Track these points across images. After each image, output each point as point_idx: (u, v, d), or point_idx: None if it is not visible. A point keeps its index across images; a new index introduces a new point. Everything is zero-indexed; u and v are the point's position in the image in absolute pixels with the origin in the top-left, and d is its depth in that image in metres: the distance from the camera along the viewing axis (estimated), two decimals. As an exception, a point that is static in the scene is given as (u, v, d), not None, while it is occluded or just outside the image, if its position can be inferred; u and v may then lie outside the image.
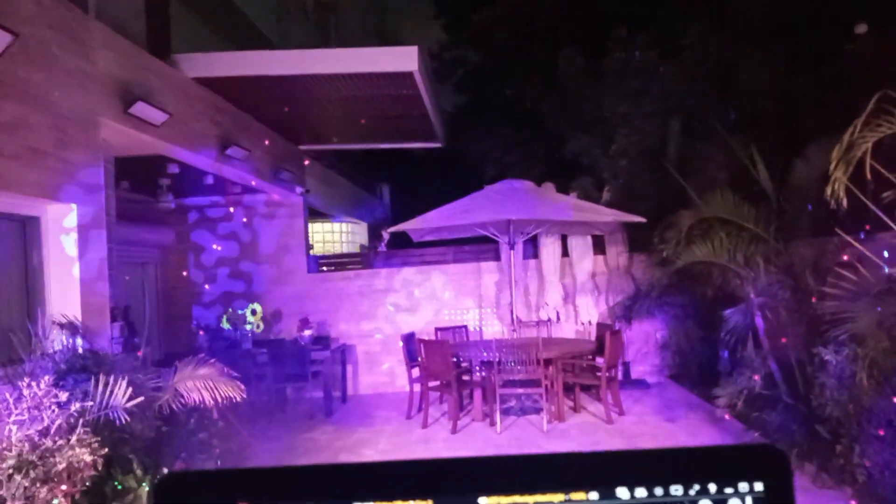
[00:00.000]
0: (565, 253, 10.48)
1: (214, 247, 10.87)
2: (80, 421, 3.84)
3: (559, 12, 13.94)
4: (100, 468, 3.73)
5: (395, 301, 10.76)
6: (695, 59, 10.40)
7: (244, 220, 10.93)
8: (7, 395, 3.77)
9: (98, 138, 5.72)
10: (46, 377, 3.89)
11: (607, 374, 7.97)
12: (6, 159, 4.65)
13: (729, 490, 0.69)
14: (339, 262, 12.15)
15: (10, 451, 3.48)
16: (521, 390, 8.02)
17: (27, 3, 4.90)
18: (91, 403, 4.05)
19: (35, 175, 4.94)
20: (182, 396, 4.91)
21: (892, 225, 4.72)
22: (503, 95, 14.86)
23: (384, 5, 21.24)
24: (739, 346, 6.74)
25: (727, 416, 6.95)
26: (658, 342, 10.20)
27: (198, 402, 4.94)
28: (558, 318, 10.34)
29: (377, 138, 11.75)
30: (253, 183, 9.46)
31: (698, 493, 0.68)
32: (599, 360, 8.28)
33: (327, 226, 16.05)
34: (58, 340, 4.92)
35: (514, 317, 9.45)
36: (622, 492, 0.68)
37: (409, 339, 8.98)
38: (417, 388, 8.50)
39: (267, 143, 9.69)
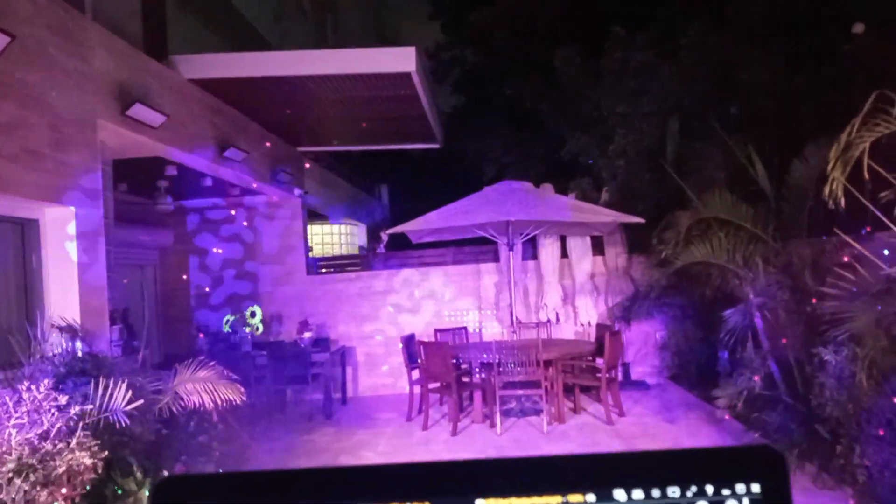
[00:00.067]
0: (564, 254, 10.49)
1: (214, 249, 10.86)
2: (80, 424, 3.84)
3: (558, 12, 13.95)
4: (100, 471, 3.73)
5: (395, 303, 10.76)
6: (693, 59, 10.40)
7: (243, 222, 10.93)
8: (7, 399, 3.76)
9: (96, 140, 5.72)
10: (46, 380, 3.89)
11: (607, 376, 7.97)
12: (4, 161, 4.65)
13: (726, 491, 0.69)
14: (338, 264, 12.15)
15: (10, 454, 3.48)
16: (521, 392, 8.02)
17: (24, 4, 4.90)
18: (91, 406, 4.05)
19: (33, 177, 4.94)
20: (182, 399, 4.91)
21: (890, 224, 4.72)
22: (501, 96, 14.87)
23: (382, 5, 21.24)
24: (739, 346, 6.74)
25: (727, 417, 6.95)
26: (657, 343, 10.20)
27: (198, 404, 4.94)
28: (558, 320, 10.34)
29: (375, 139, 11.75)
30: (252, 185, 9.46)
31: (695, 494, 0.68)
32: (599, 362, 8.28)
33: (326, 227, 16.05)
34: (57, 343, 4.91)
35: (514, 318, 9.45)
36: (619, 493, 0.68)
37: (408, 340, 8.98)
38: (417, 389, 8.50)
39: (265, 144, 9.69)
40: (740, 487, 0.69)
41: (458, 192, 9.27)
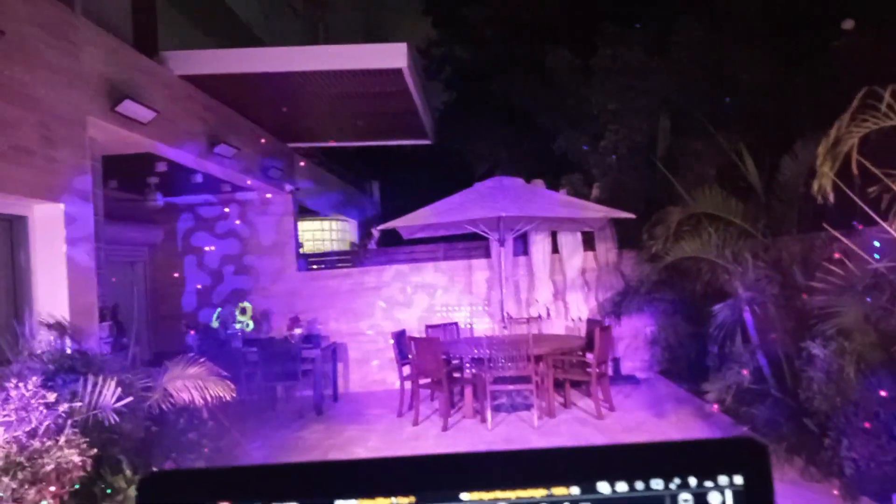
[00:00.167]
0: (555, 249, 10.50)
1: (204, 246, 10.83)
2: (69, 422, 3.82)
3: (549, 9, 13.93)
4: (89, 469, 3.72)
5: (386, 299, 10.76)
6: (684, 55, 10.42)
7: (234, 218, 10.90)
8: (-6, 396, 3.75)
9: (85, 136, 5.70)
10: (34, 378, 3.87)
11: (597, 370, 8.00)
12: (-8, 158, 4.63)
13: (709, 483, 0.69)
14: (329, 261, 12.12)
15: (-2, 452, 3.47)
16: (511, 387, 8.04)
17: (12, 1, 4.87)
18: (80, 404, 4.03)
19: (21, 174, 4.91)
20: (172, 396, 4.89)
21: (878, 220, 4.75)
22: (493, 92, 14.84)
23: (374, 2, 21.18)
24: (728, 341, 6.77)
25: (716, 411, 6.99)
26: (648, 338, 10.24)
27: (188, 401, 4.93)
28: (548, 315, 10.36)
29: (366, 135, 11.73)
30: (242, 181, 9.43)
31: (679, 486, 0.69)
32: (589, 357, 8.30)
33: (317, 224, 16.02)
34: (46, 341, 4.89)
35: (505, 313, 9.46)
36: (603, 486, 0.69)
37: (399, 336, 8.98)
38: (408, 385, 8.51)
39: (255, 140, 9.66)
40: (723, 479, 0.69)
41: (449, 189, 9.27)
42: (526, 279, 10.63)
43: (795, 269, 6.35)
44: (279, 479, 0.69)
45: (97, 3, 6.43)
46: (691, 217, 7.31)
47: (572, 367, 8.70)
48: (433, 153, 15.80)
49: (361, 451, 7.25)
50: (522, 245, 10.66)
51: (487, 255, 10.74)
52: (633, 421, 7.88)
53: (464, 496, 0.69)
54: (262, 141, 9.92)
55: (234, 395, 5.19)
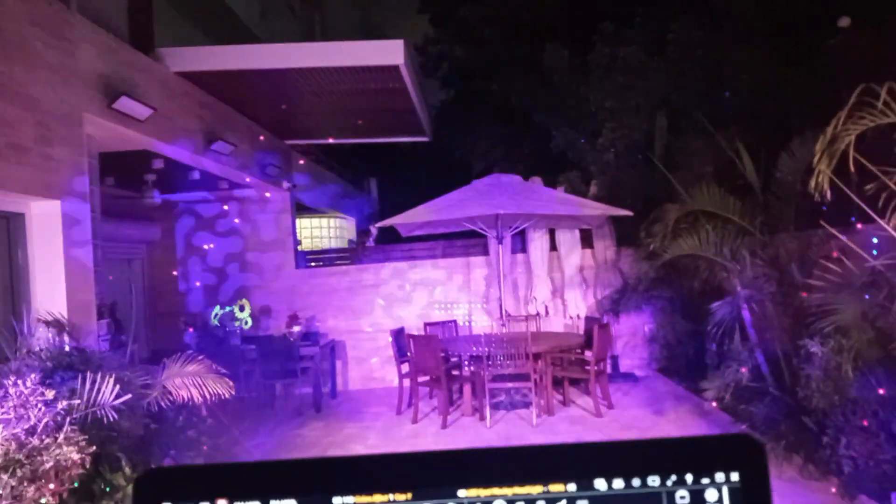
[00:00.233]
0: (553, 247, 10.51)
1: (202, 243, 10.82)
2: (68, 419, 3.82)
3: (546, 7, 13.93)
4: (87, 466, 3.72)
5: (384, 296, 10.75)
6: (681, 54, 10.42)
7: (231, 215, 10.89)
8: (-8, 394, 3.74)
9: (82, 134, 5.69)
10: (33, 375, 3.87)
11: (596, 368, 8.01)
12: (-11, 156, 4.62)
13: (706, 480, 0.69)
14: (327, 258, 12.12)
15: (-4, 449, 3.46)
16: (510, 385, 8.04)
17: (9, -1, 4.86)
18: (78, 401, 4.03)
19: (18, 171, 4.91)
20: (171, 393, 4.89)
21: (875, 217, 4.75)
22: (490, 90, 14.84)
23: (371, 1, 21.17)
24: (726, 338, 6.78)
25: (715, 409, 7.00)
26: (646, 335, 10.25)
27: (186, 399, 4.93)
28: (547, 313, 10.36)
29: (364, 133, 11.72)
30: (240, 178, 9.42)
31: (675, 483, 0.69)
32: (588, 354, 8.31)
33: (315, 221, 16.03)
34: (44, 338, 4.89)
35: (503, 311, 9.47)
36: (600, 483, 0.69)
37: (398, 334, 8.98)
38: (407, 383, 8.51)
39: (253, 137, 9.65)
40: (720, 476, 0.69)
41: (447, 186, 9.27)
42: (524, 277, 10.64)
43: (793, 266, 6.35)
44: (277, 475, 0.69)
45: (93, 0, 6.42)
46: (689, 215, 7.32)
47: (571, 364, 8.70)
48: (431, 151, 15.82)
49: (360, 449, 7.25)
50: (521, 242, 10.66)
51: (486, 252, 10.74)
52: (631, 419, 7.89)
53: (461, 493, 0.69)
54: (260, 138, 9.92)
55: (233, 392, 5.19)
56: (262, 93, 8.59)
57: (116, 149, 6.83)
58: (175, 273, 10.82)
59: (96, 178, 6.00)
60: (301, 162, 12.02)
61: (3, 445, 3.48)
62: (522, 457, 0.70)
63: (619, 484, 0.69)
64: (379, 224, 10.29)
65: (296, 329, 9.52)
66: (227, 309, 9.65)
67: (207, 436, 5.36)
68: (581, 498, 0.69)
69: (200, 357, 5.24)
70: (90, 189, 5.78)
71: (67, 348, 4.87)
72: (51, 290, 5.37)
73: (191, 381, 4.96)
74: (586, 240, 10.49)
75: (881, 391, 4.80)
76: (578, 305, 10.30)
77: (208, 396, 5.00)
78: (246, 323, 9.64)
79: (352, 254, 11.85)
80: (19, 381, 3.73)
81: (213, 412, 5.53)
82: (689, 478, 0.69)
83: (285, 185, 10.72)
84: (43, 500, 3.47)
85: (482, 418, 7.89)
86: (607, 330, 8.35)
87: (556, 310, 10.47)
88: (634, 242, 9.44)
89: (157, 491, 0.69)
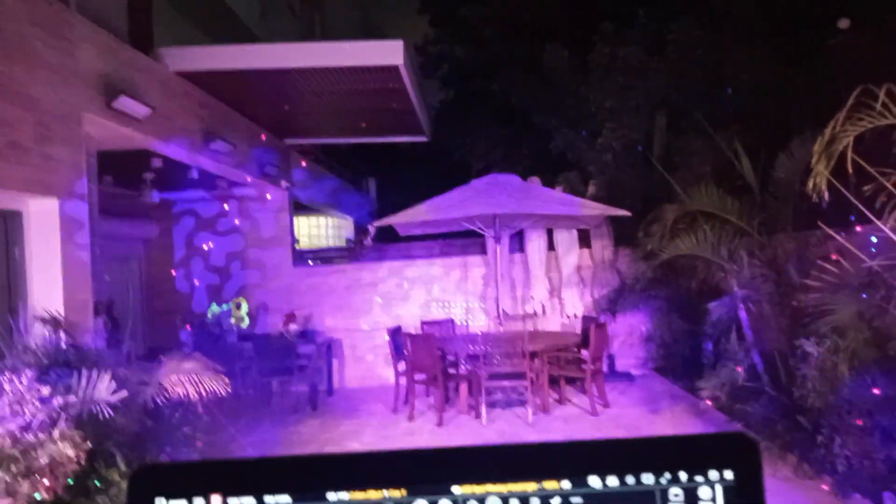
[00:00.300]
0: (551, 247, 10.51)
1: (199, 242, 10.81)
2: (63, 415, 3.82)
3: (546, 7, 13.94)
4: (83, 462, 3.71)
5: (382, 295, 10.75)
6: (680, 54, 10.43)
7: (229, 214, 10.89)
8: (-11, 391, 3.74)
9: (81, 133, 5.68)
10: (29, 372, 3.86)
11: (592, 367, 8.01)
12: (-13, 153, 4.61)
13: (699, 478, 0.70)
14: (325, 257, 12.13)
15: (-8, 446, 3.46)
16: (506, 383, 8.04)
17: (7, -4, 4.85)
18: (74, 398, 4.03)
19: (17, 170, 4.90)
20: (167, 390, 4.89)
21: (872, 218, 4.76)
22: (489, 90, 14.85)
23: (371, 1, 21.16)
24: (723, 338, 6.79)
25: (711, 408, 7.01)
26: (643, 335, 10.25)
27: (182, 396, 4.92)
28: (544, 312, 10.37)
29: (363, 132, 11.72)
30: (239, 177, 9.41)
31: (669, 481, 0.69)
32: (584, 353, 8.31)
33: (313, 220, 16.02)
34: (40, 335, 4.88)
35: (500, 310, 9.47)
36: (594, 480, 0.69)
37: (395, 332, 8.98)
38: (403, 381, 8.51)
39: (251, 137, 9.64)
40: (714, 474, 0.70)
41: (445, 186, 9.27)
42: (522, 276, 10.64)
43: (790, 267, 6.36)
44: (271, 471, 0.70)
45: (93, 0, 6.41)
46: (687, 215, 7.33)
47: (567, 363, 8.70)
48: (430, 151, 15.82)
49: (356, 446, 7.25)
50: (518, 242, 10.66)
51: (483, 251, 10.74)
52: (627, 417, 7.90)
53: (455, 489, 0.69)
54: (259, 137, 9.91)
55: (230, 390, 5.18)
56: (261, 92, 8.59)
57: (115, 147, 6.82)
58: (172, 271, 10.81)
59: (95, 177, 5.99)
60: (300, 161, 12.01)
61: (-1, 442, 3.48)
62: (517, 454, 0.71)
63: (613, 481, 0.69)
64: (377, 223, 10.30)
65: (293, 327, 9.51)
66: (225, 307, 9.65)
67: (203, 433, 5.35)
68: (575, 495, 0.69)
69: (197, 354, 5.24)
70: (88, 187, 5.78)
71: (64, 345, 4.87)
72: (48, 287, 5.37)
73: (187, 379, 4.96)
74: (584, 240, 10.49)
75: (876, 391, 4.81)
76: (575, 305, 10.31)
77: (204, 394, 5.00)
78: (243, 321, 9.63)
79: (350, 252, 11.86)
80: (15, 378, 3.72)
81: (210, 409, 5.53)
82: (683, 476, 0.69)
83: (284, 184, 10.71)
84: (38, 496, 3.47)
85: (478, 416, 7.90)
86: (604, 329, 8.35)
87: (554, 309, 10.47)
88: (632, 242, 9.45)
89: (152, 487, 0.69)
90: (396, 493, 0.69)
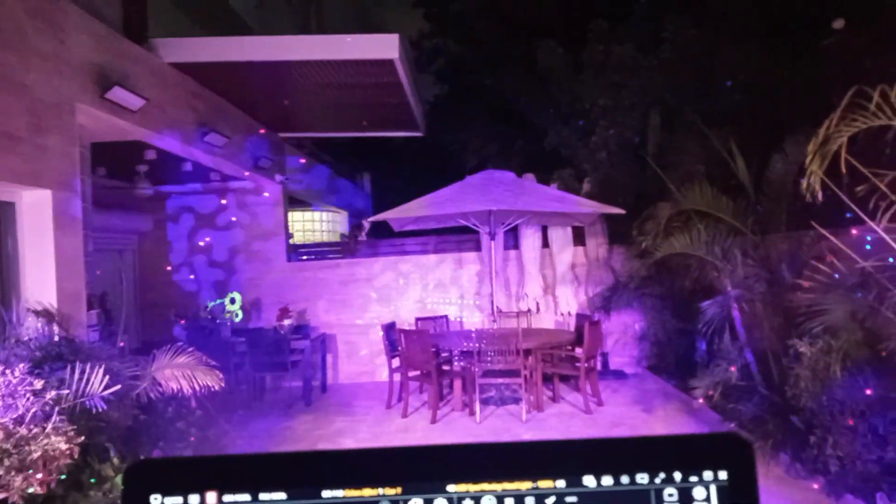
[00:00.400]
0: (546, 244, 10.52)
1: (193, 235, 10.79)
2: (56, 409, 3.81)
3: (542, 4, 13.93)
4: (76, 456, 3.71)
5: (376, 290, 10.75)
6: (675, 52, 10.44)
7: (223, 207, 10.86)
8: (-20, 383, 3.72)
9: (74, 123, 5.65)
10: (21, 365, 3.85)
11: (586, 365, 8.03)
12: (-20, 144, 4.59)
13: (694, 478, 0.70)
14: (319, 251, 12.11)
15: (-16, 439, 3.45)
16: (500, 380, 8.05)
17: (1, -14, 4.82)
18: (67, 391, 4.02)
19: (8, 160, 4.87)
20: (160, 385, 4.88)
21: (865, 218, 4.78)
22: (484, 86, 14.84)
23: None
24: (716, 337, 6.81)
25: (703, 407, 7.04)
26: (636, 333, 10.28)
27: (176, 390, 4.92)
28: (538, 309, 10.38)
29: (358, 126, 11.69)
30: (233, 171, 9.39)
31: (664, 481, 0.70)
32: (578, 351, 8.33)
33: (307, 214, 15.98)
34: (33, 328, 4.87)
35: (495, 307, 9.48)
36: (589, 480, 0.69)
37: (389, 328, 8.98)
38: (397, 377, 8.52)
39: (246, 130, 9.62)
40: (708, 474, 0.70)
41: (440, 181, 9.27)
42: (516, 273, 10.65)
43: (783, 266, 6.38)
44: (267, 468, 0.70)
45: (87, -11, 6.38)
46: (681, 213, 7.33)
47: (561, 361, 8.72)
48: (424, 146, 15.81)
49: (350, 443, 7.26)
50: (513, 239, 10.67)
51: (478, 248, 10.75)
52: (620, 416, 7.92)
53: (450, 487, 0.69)
54: (253, 130, 9.88)
55: (223, 384, 5.18)
56: (255, 85, 8.56)
57: (109, 139, 6.80)
58: (166, 264, 10.79)
59: (88, 169, 5.96)
60: (294, 155, 11.98)
61: (-10, 435, 3.47)
62: (512, 453, 0.71)
63: (607, 481, 0.69)
64: (371, 218, 10.28)
65: (286, 322, 9.50)
66: (218, 301, 9.63)
67: (196, 427, 5.35)
68: (570, 494, 0.69)
69: (190, 349, 5.23)
70: (82, 179, 5.75)
71: (57, 338, 4.86)
72: (41, 279, 5.35)
73: (180, 373, 4.95)
74: (578, 237, 10.51)
75: (869, 391, 4.84)
76: (570, 302, 10.32)
77: (198, 388, 4.99)
78: (237, 315, 9.62)
79: (344, 248, 11.83)
80: (7, 371, 3.71)
81: (203, 404, 5.52)
82: (677, 476, 0.70)
83: (278, 177, 10.69)
84: (30, 490, 3.46)
85: (472, 413, 7.91)
86: (598, 327, 8.37)
87: (548, 306, 10.48)
88: (626, 240, 9.46)
89: (146, 482, 0.69)
90: (392, 491, 0.69)
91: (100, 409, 4.12)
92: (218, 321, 9.38)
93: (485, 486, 0.69)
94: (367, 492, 0.69)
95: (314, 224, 16.30)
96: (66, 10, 5.61)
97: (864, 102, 4.49)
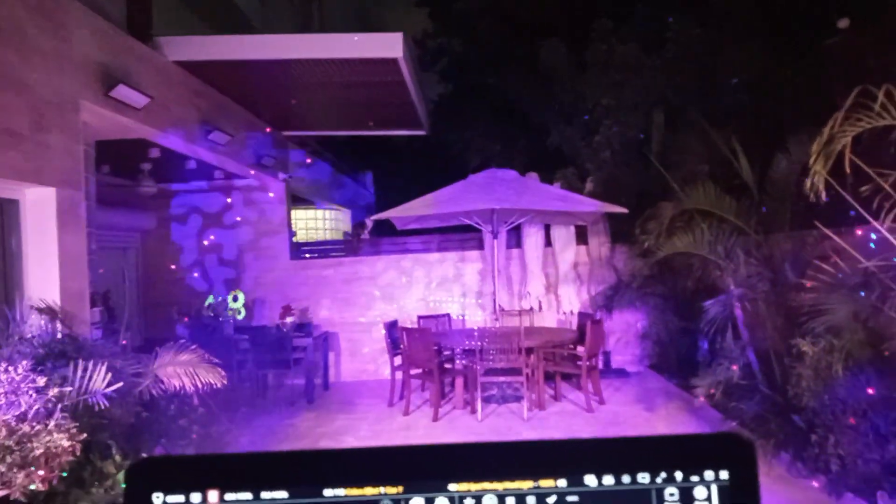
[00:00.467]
0: (548, 243, 10.52)
1: (196, 233, 10.79)
2: (59, 406, 3.82)
3: (544, 2, 13.92)
4: (78, 453, 3.72)
5: (379, 289, 10.76)
6: (678, 52, 10.43)
7: (227, 205, 10.86)
8: (-16, 380, 3.73)
9: (78, 121, 5.66)
10: (24, 362, 3.86)
11: (588, 363, 8.03)
12: (-16, 141, 4.60)
13: (695, 478, 0.70)
14: (322, 250, 12.11)
15: (-13, 435, 3.46)
16: (502, 378, 8.06)
17: (5, -17, 4.83)
18: (69, 389, 4.03)
19: (12, 158, 4.88)
20: (162, 382, 4.89)
21: (869, 218, 4.77)
22: (487, 85, 14.83)
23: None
24: (718, 336, 6.80)
25: (705, 405, 7.03)
26: (638, 332, 10.27)
27: (178, 388, 4.93)
28: (540, 308, 10.38)
29: (361, 125, 11.70)
30: (236, 169, 9.40)
31: (665, 480, 0.70)
32: (580, 350, 8.33)
33: (310, 212, 15.99)
34: (36, 325, 4.88)
35: (497, 306, 9.48)
36: (590, 479, 0.69)
37: (391, 327, 8.98)
38: (399, 375, 8.52)
39: (249, 128, 9.62)
40: (709, 474, 0.70)
41: (443, 180, 9.26)
42: (518, 272, 10.65)
43: (787, 266, 6.37)
44: (268, 467, 0.70)
45: (91, -13, 6.38)
46: (684, 213, 7.33)
47: (563, 359, 8.72)
48: (427, 145, 15.80)
49: (352, 440, 7.27)
50: (516, 238, 10.67)
51: (481, 247, 10.75)
52: (622, 414, 7.92)
53: (452, 486, 0.69)
54: (256, 128, 9.89)
55: (225, 382, 5.19)
56: (259, 83, 8.56)
57: (113, 137, 6.80)
58: (169, 262, 10.79)
59: (92, 166, 5.97)
60: (297, 153, 11.98)
61: (-7, 432, 3.48)
62: (514, 452, 0.71)
63: (609, 480, 0.69)
64: (375, 217, 10.29)
65: (289, 320, 9.51)
66: (221, 299, 9.64)
67: (199, 425, 5.36)
68: (571, 494, 0.69)
69: (193, 346, 5.24)
70: (85, 177, 5.76)
71: (60, 335, 4.87)
72: (44, 277, 5.35)
73: (183, 371, 4.96)
74: (581, 236, 10.51)
75: (870, 391, 4.83)
76: (572, 301, 10.32)
77: (200, 386, 5.00)
78: (239, 313, 9.63)
79: (347, 246, 11.84)
80: (11, 368, 3.72)
81: (205, 401, 5.53)
82: (678, 475, 0.70)
83: (281, 175, 10.70)
84: (32, 487, 3.47)
85: (473, 411, 7.91)
86: (600, 326, 8.37)
87: (550, 305, 10.48)
88: (629, 239, 9.46)
89: (148, 481, 0.69)
90: (393, 490, 0.69)
91: (102, 407, 4.12)
92: (221, 319, 9.39)
93: (486, 485, 0.69)
94: (369, 490, 0.69)
95: (317, 222, 16.31)
96: (68, 7, 5.61)
97: (869, 102, 4.48)
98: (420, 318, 9.79)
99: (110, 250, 9.70)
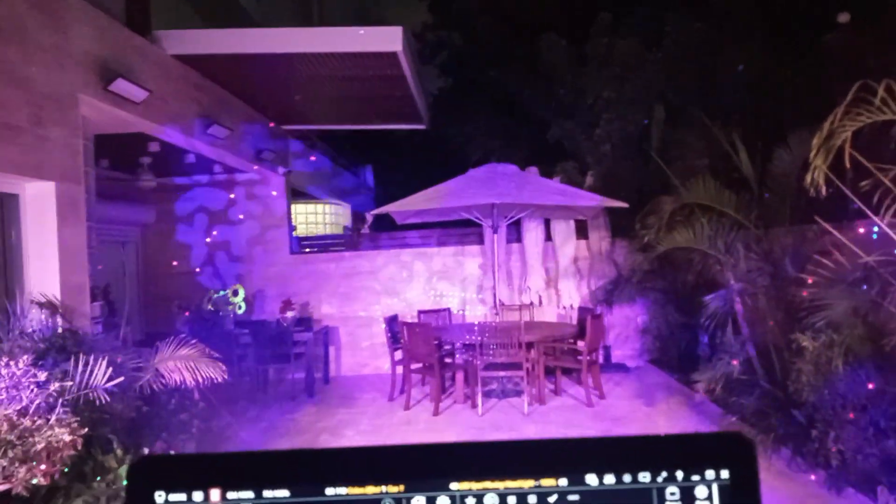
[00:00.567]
0: (548, 237, 10.52)
1: (196, 227, 10.79)
2: (60, 401, 3.82)
3: (543, 2, 13.89)
4: (79, 448, 3.72)
5: (379, 283, 10.76)
6: (678, 46, 10.41)
7: (226, 199, 10.86)
8: (-15, 375, 3.74)
9: (77, 115, 5.65)
10: (25, 356, 3.86)
11: (588, 358, 8.04)
12: (-17, 136, 4.59)
13: (696, 477, 0.70)
14: (322, 244, 12.11)
15: (-12, 430, 3.46)
16: (502, 373, 8.07)
17: (4, -23, 4.82)
18: (70, 383, 4.03)
19: (11, 152, 4.88)
20: (163, 377, 4.90)
21: (869, 213, 4.77)
22: (487, 78, 14.79)
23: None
24: (719, 331, 6.81)
25: (705, 400, 7.04)
26: (639, 327, 10.28)
27: (179, 382, 4.93)
28: (540, 302, 10.39)
29: (361, 119, 11.68)
30: (236, 163, 9.39)
31: (666, 480, 0.70)
32: (581, 344, 8.33)
33: (311, 207, 15.99)
34: (37, 319, 4.88)
35: (497, 300, 9.48)
36: (591, 478, 0.69)
37: (391, 321, 8.99)
38: (400, 370, 8.53)
39: (249, 122, 9.61)
40: (710, 473, 0.70)
41: (443, 174, 9.26)
42: (519, 266, 10.65)
43: (787, 261, 6.37)
44: (270, 466, 0.70)
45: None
46: (684, 207, 7.33)
47: (563, 354, 8.73)
48: (427, 139, 15.76)
49: (352, 434, 7.28)
50: (516, 232, 10.67)
51: (481, 241, 10.75)
52: (622, 409, 7.93)
53: (453, 485, 0.69)
54: (256, 122, 9.87)
55: (226, 376, 5.19)
56: (259, 77, 8.55)
57: (112, 131, 6.79)
58: (169, 256, 10.79)
59: (91, 160, 5.97)
60: (297, 147, 11.97)
61: (-6, 426, 3.48)
62: (515, 451, 0.71)
63: (610, 479, 0.70)
64: (374, 211, 10.28)
65: (289, 314, 9.51)
66: (222, 293, 9.64)
67: (200, 419, 5.37)
68: (572, 493, 0.69)
69: (193, 341, 5.24)
70: (85, 171, 5.76)
71: (60, 330, 4.87)
72: (44, 271, 5.36)
73: (183, 365, 4.97)
74: (581, 230, 10.50)
75: (870, 386, 4.84)
76: (572, 296, 10.32)
77: (201, 380, 5.01)
78: (240, 307, 9.63)
79: (347, 240, 11.84)
80: (11, 363, 3.72)
81: (206, 396, 5.54)
82: (679, 475, 0.70)
83: (281, 170, 10.69)
84: (34, 481, 3.48)
85: (474, 406, 7.92)
86: (600, 320, 8.37)
87: (550, 300, 10.49)
88: (629, 234, 9.46)
89: (150, 479, 0.69)
90: (394, 489, 0.69)
91: (103, 401, 4.13)
92: (221, 313, 9.40)
93: (487, 484, 0.69)
94: (370, 489, 0.69)
95: (317, 216, 16.32)
96: (67, 1, 5.59)
97: (869, 97, 4.48)
98: (420, 312, 9.80)
99: (110, 244, 9.70)
